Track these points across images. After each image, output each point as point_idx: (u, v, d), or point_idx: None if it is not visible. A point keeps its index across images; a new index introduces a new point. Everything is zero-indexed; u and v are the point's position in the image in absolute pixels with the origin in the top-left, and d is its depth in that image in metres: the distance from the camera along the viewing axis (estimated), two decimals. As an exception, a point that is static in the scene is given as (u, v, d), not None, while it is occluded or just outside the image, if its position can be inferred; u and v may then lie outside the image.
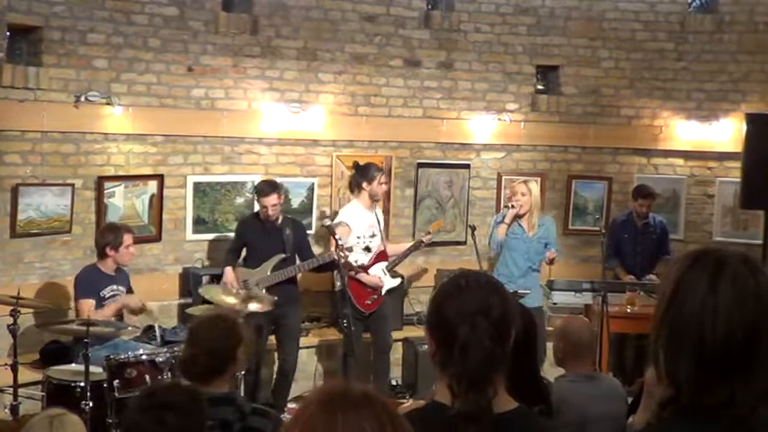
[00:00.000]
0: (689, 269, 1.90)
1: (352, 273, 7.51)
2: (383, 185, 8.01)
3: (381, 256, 7.97)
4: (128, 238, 7.02)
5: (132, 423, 3.17)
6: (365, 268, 7.80)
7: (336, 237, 7.01)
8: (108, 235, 7.08)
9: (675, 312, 1.88)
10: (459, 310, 2.29)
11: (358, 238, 7.74)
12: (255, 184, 7.96)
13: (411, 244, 8.36)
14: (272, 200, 7.46)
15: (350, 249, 7.21)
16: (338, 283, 7.60)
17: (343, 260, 7.06)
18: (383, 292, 7.90)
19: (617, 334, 7.92)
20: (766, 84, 9.43)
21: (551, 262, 7.86)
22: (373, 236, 7.86)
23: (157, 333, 7.09)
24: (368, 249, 7.78)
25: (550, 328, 6.83)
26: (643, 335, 8.32)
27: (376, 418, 1.64)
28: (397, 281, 8.12)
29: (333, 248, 7.06)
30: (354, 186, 7.97)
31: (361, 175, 7.90)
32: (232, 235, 8.02)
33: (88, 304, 6.72)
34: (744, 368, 1.83)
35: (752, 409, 1.84)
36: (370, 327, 7.90)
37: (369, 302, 7.77)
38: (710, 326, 1.83)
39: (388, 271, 7.98)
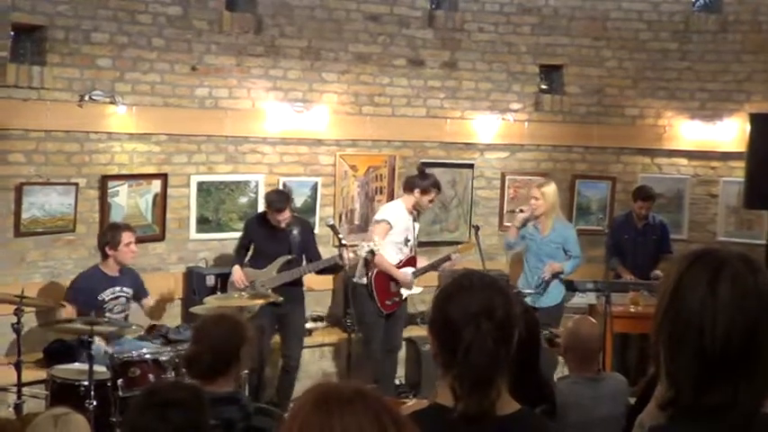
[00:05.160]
0: (689, 269, 1.90)
1: (377, 260, 7.46)
2: (431, 204, 7.98)
3: (411, 261, 7.94)
4: (127, 236, 7.02)
5: (136, 422, 3.16)
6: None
7: (339, 236, 7.00)
8: (107, 234, 7.11)
9: (675, 312, 1.88)
10: (462, 311, 2.28)
11: (366, 244, 7.63)
12: (265, 193, 7.95)
13: (437, 258, 8.16)
14: (286, 214, 7.47)
15: (350, 247, 7.14)
16: (363, 279, 7.58)
17: (348, 260, 7.04)
18: (404, 297, 7.89)
19: (619, 334, 7.92)
20: (770, 84, 9.43)
21: (553, 274, 7.80)
22: (407, 241, 7.83)
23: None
24: (372, 253, 7.52)
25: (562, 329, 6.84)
26: (646, 335, 8.32)
27: (372, 413, 1.65)
28: (420, 289, 8.06)
29: (345, 253, 6.97)
30: (408, 187, 7.92)
31: (420, 180, 7.86)
32: (236, 234, 8.03)
33: (67, 311, 6.77)
34: (745, 368, 1.83)
35: (753, 410, 1.84)
36: (386, 326, 7.88)
37: (389, 303, 7.75)
38: (711, 326, 1.82)
39: (416, 276, 7.93)
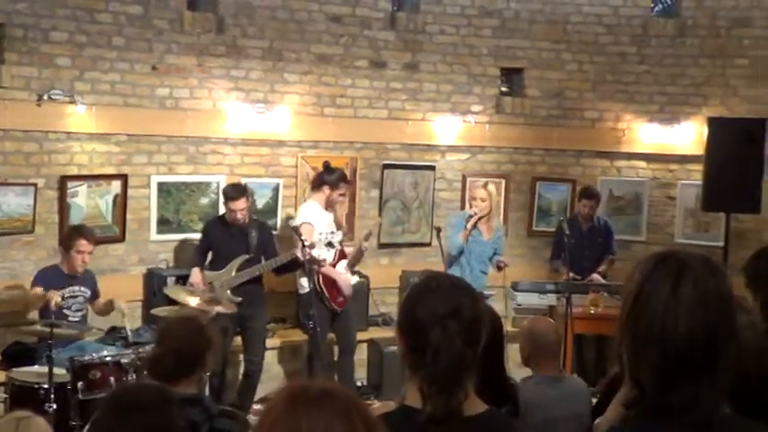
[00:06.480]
0: (652, 271, 1.94)
1: (322, 268, 7.48)
2: (341, 198, 7.98)
3: (341, 255, 7.96)
4: (81, 244, 6.91)
5: (103, 426, 3.13)
6: (332, 265, 7.78)
7: (302, 237, 6.99)
8: (65, 234, 7.06)
9: (639, 314, 1.91)
10: (429, 313, 2.29)
11: (320, 234, 7.60)
12: (223, 187, 7.94)
13: (356, 249, 8.14)
14: (241, 204, 7.43)
15: (312, 246, 7.11)
16: (308, 285, 7.56)
17: (308, 257, 7.04)
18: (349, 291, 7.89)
19: (576, 335, 7.96)
20: (727, 88, 9.54)
21: (500, 269, 7.91)
22: (333, 233, 7.81)
23: (128, 331, 7.03)
24: (330, 245, 7.61)
25: (515, 329, 6.89)
26: (603, 336, 8.40)
27: (342, 413, 1.65)
28: (356, 278, 8.08)
29: (298, 249, 7.03)
30: (317, 185, 7.94)
31: (328, 176, 7.87)
32: (196, 235, 7.99)
33: (37, 290, 6.70)
34: (706, 369, 1.87)
35: (715, 409, 1.88)
36: (336, 326, 7.88)
37: (341, 299, 7.76)
38: (673, 327, 1.86)
39: (350, 269, 7.96)
